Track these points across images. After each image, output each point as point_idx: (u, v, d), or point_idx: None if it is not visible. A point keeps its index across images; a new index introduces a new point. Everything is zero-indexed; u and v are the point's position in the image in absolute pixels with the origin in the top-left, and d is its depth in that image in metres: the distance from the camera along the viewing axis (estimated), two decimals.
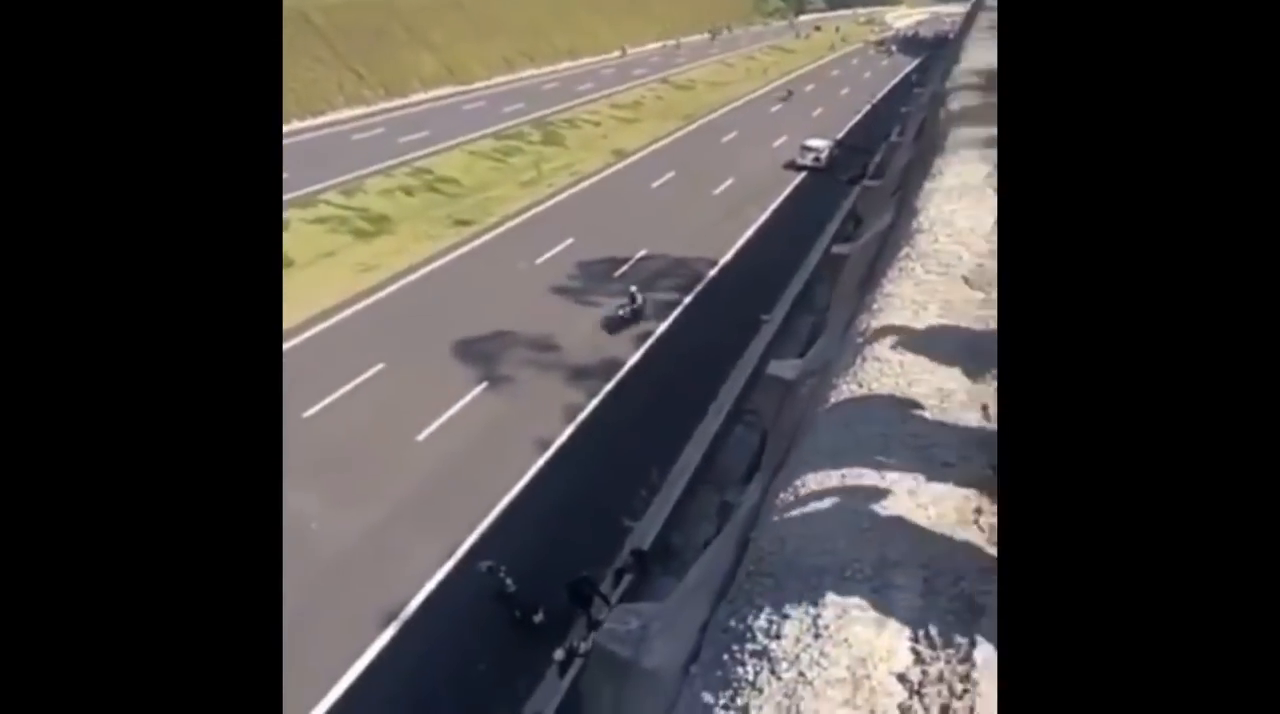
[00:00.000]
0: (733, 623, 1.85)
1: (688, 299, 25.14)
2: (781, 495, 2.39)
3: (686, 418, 18.75)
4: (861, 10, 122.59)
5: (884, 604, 1.77)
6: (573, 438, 18.39)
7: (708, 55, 70.40)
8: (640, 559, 14.71)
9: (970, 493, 2.24)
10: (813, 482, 2.44)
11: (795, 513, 2.29)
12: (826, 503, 2.27)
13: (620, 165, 38.77)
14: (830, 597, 1.82)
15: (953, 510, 2.19)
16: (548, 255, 27.14)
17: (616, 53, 66.01)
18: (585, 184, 35.70)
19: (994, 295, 3.69)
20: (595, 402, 19.81)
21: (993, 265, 4.02)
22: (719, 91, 57.44)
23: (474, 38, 51.64)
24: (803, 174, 37.35)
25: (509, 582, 13.37)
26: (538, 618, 13.38)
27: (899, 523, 2.11)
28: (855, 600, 1.79)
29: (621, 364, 21.43)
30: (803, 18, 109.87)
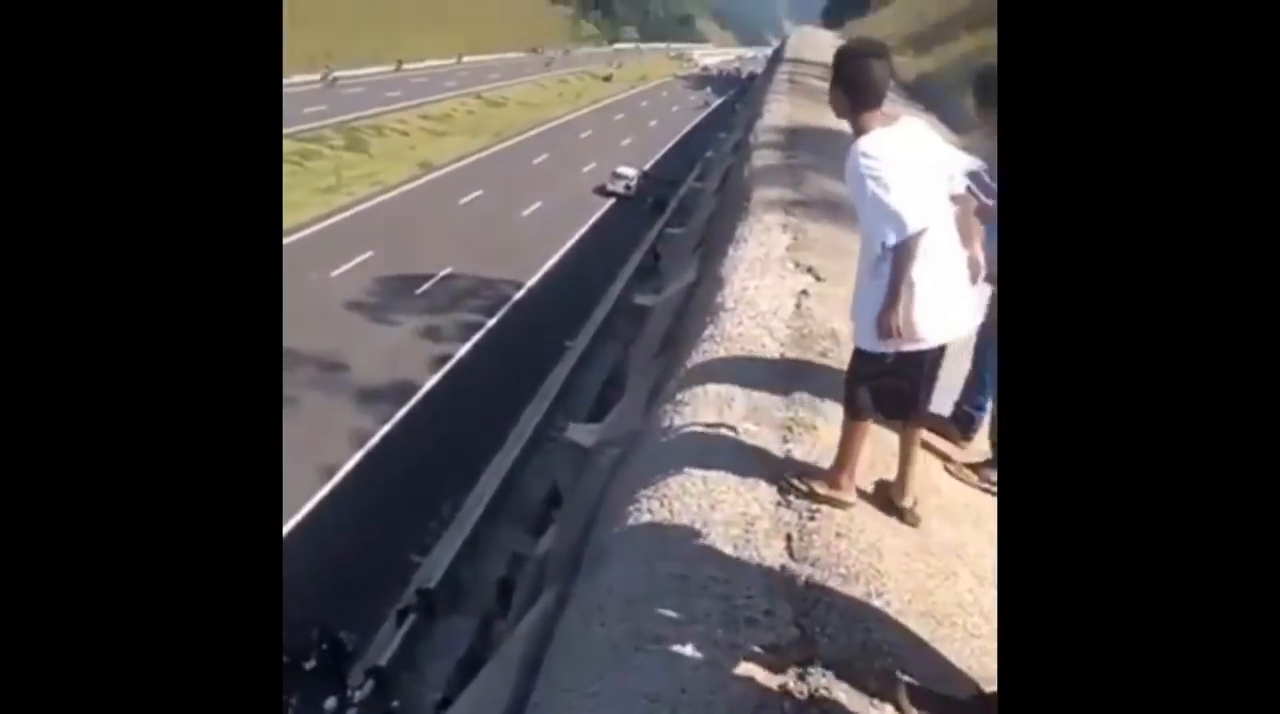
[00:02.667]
0: None
1: (491, 322, 24.61)
2: (565, 652, 2.14)
3: (484, 445, 18.20)
4: (673, 45, 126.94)
5: None
6: (359, 466, 17.43)
7: (522, 74, 70.13)
8: (426, 599, 14.04)
9: (773, 666, 2.07)
10: (605, 635, 2.20)
11: (578, 686, 2.03)
12: (614, 680, 2.03)
13: (427, 179, 37.64)
14: None
15: (756, 692, 2.02)
16: (343, 268, 25.79)
17: (448, 60, 64.08)
18: (389, 195, 34.33)
19: (796, 395, 3.61)
20: (386, 427, 18.89)
21: (794, 355, 3.98)
22: (531, 112, 57.28)
23: None
24: (608, 204, 37.74)
25: None
26: (309, 664, 12.46)
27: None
28: None
29: (417, 387, 20.60)
30: (616, 46, 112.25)
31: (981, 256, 2.98)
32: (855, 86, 2.68)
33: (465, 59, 63.19)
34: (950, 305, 2.71)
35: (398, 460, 17.64)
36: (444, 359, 22.07)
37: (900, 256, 2.53)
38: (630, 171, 40.95)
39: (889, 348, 2.67)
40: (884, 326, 2.59)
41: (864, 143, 2.60)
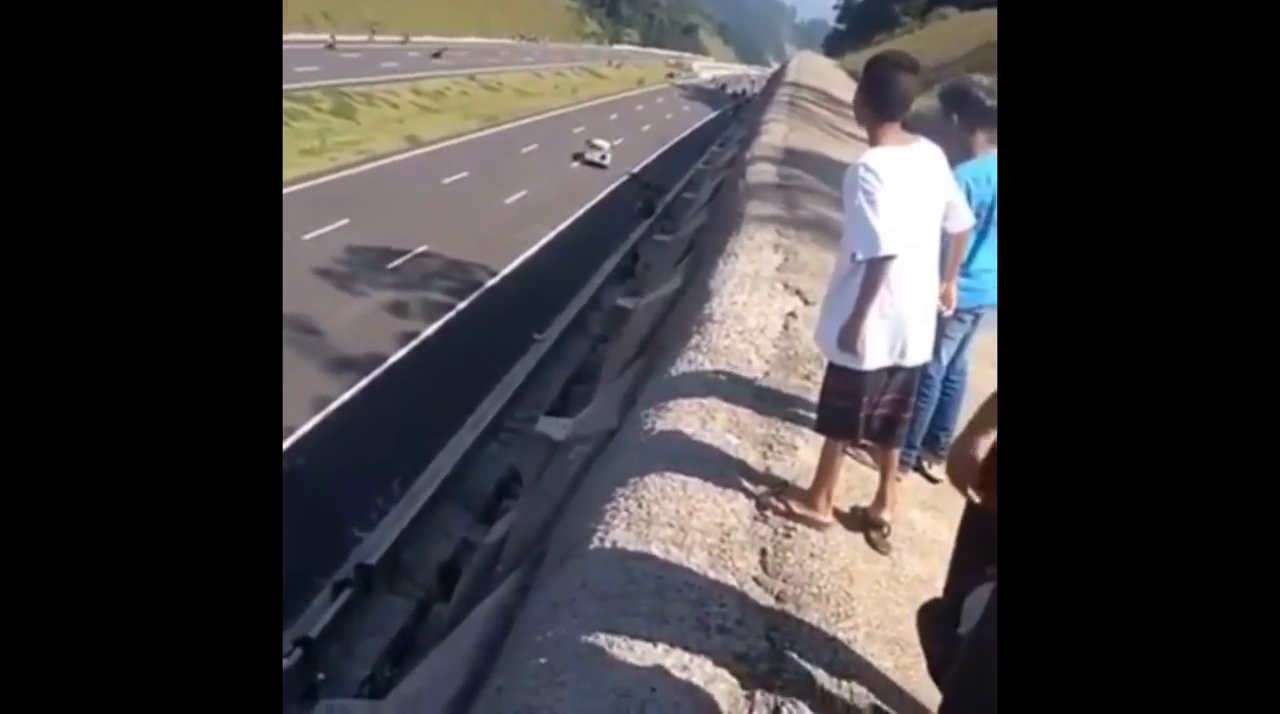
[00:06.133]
0: None
1: (461, 304, 24.45)
2: (531, 641, 2.13)
3: (442, 427, 18.08)
4: (672, 53, 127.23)
5: None
6: (315, 431, 17.26)
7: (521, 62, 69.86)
8: (364, 574, 13.89)
9: (742, 675, 2.10)
10: (576, 627, 2.21)
11: (546, 675, 2.04)
12: (583, 672, 2.03)
13: (412, 153, 37.33)
14: None
15: (723, 699, 2.04)
16: (316, 232, 25.44)
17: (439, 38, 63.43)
18: (372, 165, 33.98)
19: (782, 411, 3.65)
20: (347, 395, 18.71)
21: (779, 376, 4.01)
22: (526, 100, 57.07)
23: None
24: (592, 202, 37.68)
25: None
26: None
27: None
28: None
29: (383, 359, 20.45)
30: (616, 46, 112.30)
31: (955, 293, 3.07)
32: (880, 95, 2.71)
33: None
34: (903, 334, 2.72)
35: (351, 431, 17.47)
36: (409, 336, 21.88)
37: (871, 275, 2.56)
38: (604, 143, 43.79)
39: (851, 364, 2.69)
40: (844, 340, 2.62)
41: (870, 157, 2.62)
